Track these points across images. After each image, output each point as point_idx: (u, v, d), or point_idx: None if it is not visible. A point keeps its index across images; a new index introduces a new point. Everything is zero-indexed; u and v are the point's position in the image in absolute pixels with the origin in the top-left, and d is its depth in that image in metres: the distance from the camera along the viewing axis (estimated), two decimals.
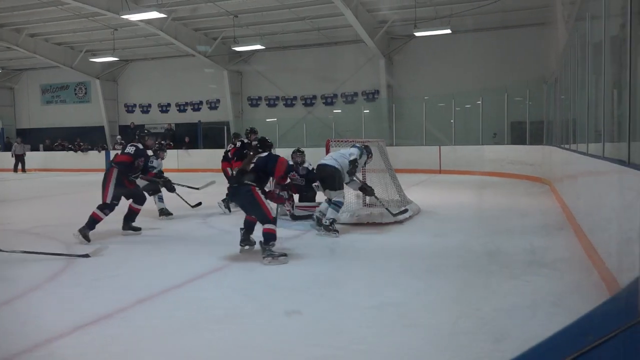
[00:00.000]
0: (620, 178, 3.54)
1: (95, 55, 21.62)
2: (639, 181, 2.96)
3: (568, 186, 7.43)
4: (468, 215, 7.72)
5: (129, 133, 21.98)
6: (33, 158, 21.62)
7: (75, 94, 25.04)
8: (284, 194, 6.42)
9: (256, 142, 7.84)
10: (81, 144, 22.02)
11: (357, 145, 6.73)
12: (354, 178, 6.66)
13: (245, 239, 5.29)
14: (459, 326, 3.15)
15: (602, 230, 4.23)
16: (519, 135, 14.81)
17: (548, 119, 12.78)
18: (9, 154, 21.23)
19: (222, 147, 18.54)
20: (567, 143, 8.08)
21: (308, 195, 7.77)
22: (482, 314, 3.36)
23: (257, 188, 4.95)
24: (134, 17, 15.49)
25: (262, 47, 19.02)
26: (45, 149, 23.42)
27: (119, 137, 21.97)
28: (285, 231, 6.46)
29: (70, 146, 22.30)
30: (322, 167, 6.40)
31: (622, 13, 3.93)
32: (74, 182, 13.43)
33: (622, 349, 0.64)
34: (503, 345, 2.86)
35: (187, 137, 20.37)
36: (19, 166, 20.67)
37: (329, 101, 20.51)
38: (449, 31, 15.68)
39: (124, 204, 6.38)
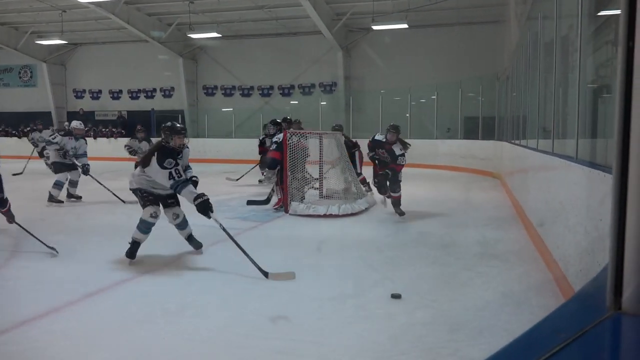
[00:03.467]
0: (568, 173, 3.69)
1: (41, 38, 20.62)
2: (586, 176, 3.09)
3: (518, 181, 7.69)
4: (423, 208, 7.86)
5: (77, 119, 21.16)
6: None
7: (20, 77, 23.84)
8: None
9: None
10: (26, 129, 21.03)
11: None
12: None
13: None
14: (415, 317, 3.21)
15: (550, 223, 4.40)
16: (471, 130, 15.18)
17: (500, 115, 13.16)
18: None
19: None
20: (517, 139, 8.35)
21: None
22: (438, 304, 3.44)
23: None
24: None
25: (219, 35, 18.67)
26: None
27: (66, 123, 21.13)
28: (241, 222, 6.40)
29: (14, 132, 21.27)
30: None
31: (573, 14, 4.08)
32: (17, 169, 12.81)
33: (594, 345, 0.66)
34: (458, 335, 2.93)
35: (140, 125, 19.80)
36: None
37: (286, 92, 20.39)
38: (405, 26, 15.86)
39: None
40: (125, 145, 10.01)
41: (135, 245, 4.46)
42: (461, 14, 16.69)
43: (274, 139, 7.50)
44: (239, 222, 6.42)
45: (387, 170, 6.78)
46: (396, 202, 6.92)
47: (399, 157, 6.84)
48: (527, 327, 0.73)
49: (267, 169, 7.51)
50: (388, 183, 6.88)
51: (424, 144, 15.77)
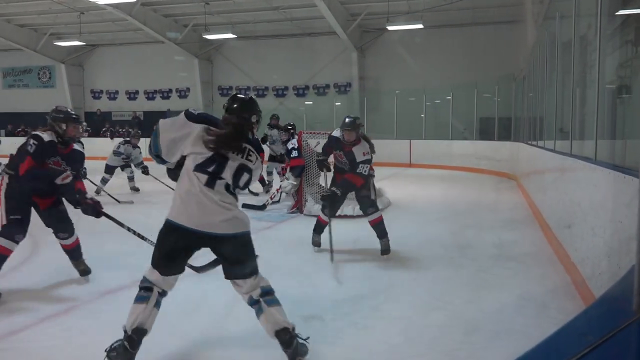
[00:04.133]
0: (586, 175, 3.64)
1: (60, 39, 20.91)
2: (605, 178, 3.05)
3: (535, 182, 7.61)
4: (438, 209, 7.82)
5: (95, 120, 21.46)
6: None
7: (39, 78, 24.21)
8: None
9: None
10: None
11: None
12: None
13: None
14: (430, 319, 3.20)
15: (567, 226, 4.34)
16: (487, 131, 15.06)
17: (516, 116, 13.04)
18: None
19: None
20: (534, 140, 8.26)
21: None
22: (454, 306, 3.41)
23: None
24: (102, 0, 15.04)
25: (234, 36, 18.77)
26: (7, 135, 22.60)
27: (84, 123, 21.40)
28: (256, 223, 6.42)
29: (33, 132, 21.57)
30: None
31: (591, 13, 4.02)
32: None
33: (621, 348, 0.65)
34: (474, 337, 2.91)
35: (137, 128, 19.95)
36: None
37: (301, 92, 20.42)
38: (421, 26, 15.77)
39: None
40: (114, 152, 9.22)
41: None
42: (477, 14, 16.57)
43: (290, 146, 7.38)
44: (254, 223, 6.40)
45: (334, 189, 4.87)
46: (378, 230, 4.96)
47: (360, 165, 4.76)
48: (545, 330, 0.72)
49: (290, 176, 7.37)
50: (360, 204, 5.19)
51: (439, 145, 15.71)
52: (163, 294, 2.61)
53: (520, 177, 10.40)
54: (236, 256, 2.61)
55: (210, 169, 2.46)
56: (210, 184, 2.45)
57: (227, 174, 2.50)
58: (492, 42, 16.47)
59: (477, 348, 2.76)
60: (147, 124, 20.36)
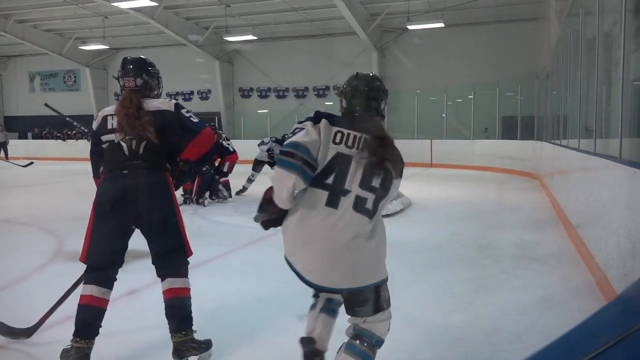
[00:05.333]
0: (611, 174, 3.57)
1: (85, 43, 21.35)
2: (630, 177, 2.98)
3: (558, 182, 7.49)
4: (459, 210, 7.75)
5: None
6: (18, 146, 21.32)
7: (65, 81, 24.75)
8: None
9: None
10: (69, 132, 21.75)
11: None
12: None
13: None
14: (451, 320, 3.17)
15: (592, 226, 4.26)
16: (510, 130, 14.88)
17: (539, 114, 12.85)
18: None
19: None
20: (558, 139, 8.13)
21: None
22: (474, 307, 3.38)
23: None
24: (125, 4, 15.31)
25: (254, 38, 18.90)
26: (34, 137, 23.15)
27: None
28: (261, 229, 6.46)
29: (59, 135, 22.06)
30: None
31: (616, 9, 3.94)
32: (60, 170, 13.31)
33: (636, 350, 0.64)
34: (494, 339, 2.87)
35: None
36: (1, 154, 20.44)
37: (321, 93, 20.46)
38: (442, 25, 15.67)
39: None
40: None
41: None
42: (499, 11, 16.37)
43: None
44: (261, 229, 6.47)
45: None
46: None
47: None
48: None
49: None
50: None
51: (461, 145, 15.57)
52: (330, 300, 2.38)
53: (544, 177, 10.25)
54: None
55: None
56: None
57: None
58: (515, 40, 16.27)
59: (498, 349, 2.73)
60: None
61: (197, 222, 6.73)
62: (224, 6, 17.12)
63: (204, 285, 3.92)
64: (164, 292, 2.57)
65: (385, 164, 2.02)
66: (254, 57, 21.20)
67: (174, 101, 2.66)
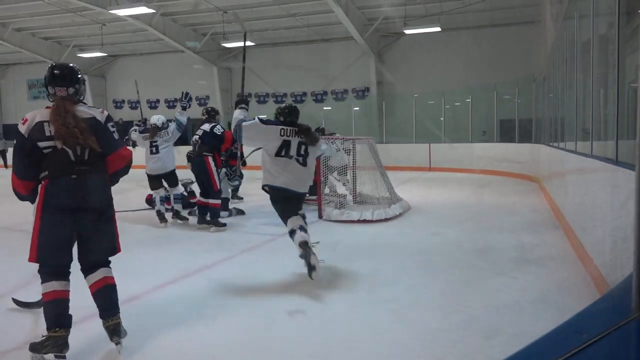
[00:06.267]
0: (608, 176, 3.59)
1: (83, 51, 21.38)
2: (627, 179, 3.00)
3: (557, 184, 7.51)
4: (457, 213, 7.77)
5: (118, 130, 21.76)
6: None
7: None
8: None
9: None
10: None
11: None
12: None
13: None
14: (449, 323, 3.18)
15: (590, 228, 4.28)
16: (508, 133, 14.91)
17: (537, 117, 12.88)
18: None
19: None
20: (555, 141, 8.16)
21: None
22: (472, 310, 3.39)
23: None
24: (122, 12, 15.35)
25: (252, 44, 18.94)
26: None
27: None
28: (274, 228, 6.47)
29: None
30: None
31: (611, 12, 3.98)
32: None
33: (616, 347, 0.65)
34: (493, 341, 2.88)
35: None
36: (1, 162, 20.48)
37: (319, 98, 20.50)
38: (438, 29, 15.74)
39: None
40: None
41: None
42: (495, 15, 16.45)
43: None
44: (272, 228, 6.48)
45: None
46: None
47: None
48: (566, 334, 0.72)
49: None
50: None
51: (459, 148, 15.59)
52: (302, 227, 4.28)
53: (542, 179, 10.27)
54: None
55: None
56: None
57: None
58: (511, 43, 16.33)
59: (496, 352, 2.74)
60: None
61: (194, 227, 6.74)
62: (221, 12, 17.19)
63: (204, 290, 3.94)
64: (97, 282, 2.81)
65: (306, 141, 4.26)
66: (251, 63, 21.20)
67: (106, 113, 2.92)
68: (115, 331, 2.77)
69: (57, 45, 22.15)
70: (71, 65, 2.95)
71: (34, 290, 3.61)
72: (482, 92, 15.64)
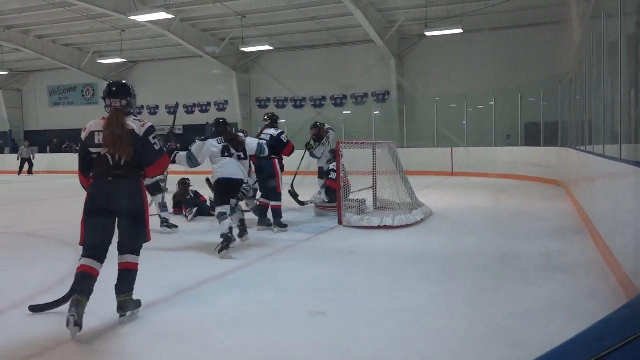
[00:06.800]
0: (638, 180, 3.52)
1: (103, 57, 21.81)
2: None
3: (584, 189, 7.38)
4: (481, 219, 7.69)
5: None
6: (40, 161, 21.77)
7: (83, 95, 25.28)
8: None
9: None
10: None
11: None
12: None
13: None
14: (473, 332, 3.15)
15: (619, 234, 4.20)
16: (533, 136, 14.73)
17: (563, 120, 12.70)
18: (16, 155, 21.45)
19: None
20: (583, 145, 8.03)
21: None
22: (497, 319, 3.35)
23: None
24: (142, 18, 15.61)
25: (271, 48, 19.09)
26: (52, 151, 23.64)
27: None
28: (295, 235, 6.49)
29: (77, 148, 22.47)
30: None
31: (639, 11, 3.91)
32: (79, 184, 13.63)
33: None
34: (519, 351, 2.84)
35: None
36: (25, 169, 20.88)
37: (339, 102, 20.53)
38: (460, 31, 15.64)
39: None
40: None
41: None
42: (518, 16, 16.29)
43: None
44: (293, 235, 6.50)
45: None
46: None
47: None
48: None
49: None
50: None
51: (482, 152, 15.45)
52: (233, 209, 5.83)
53: (569, 184, 10.11)
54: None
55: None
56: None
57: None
58: (536, 44, 16.17)
59: None
60: (186, 138, 20.87)
61: (214, 233, 6.78)
62: (240, 17, 17.35)
63: (222, 297, 3.97)
64: (121, 264, 3.43)
65: (235, 146, 5.74)
66: (270, 68, 21.41)
67: (147, 126, 3.44)
68: (121, 306, 3.33)
69: (78, 52, 22.62)
70: (124, 82, 3.58)
71: (55, 297, 3.68)
72: (506, 94, 15.49)
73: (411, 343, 3.02)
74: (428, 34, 16.24)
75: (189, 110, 23.07)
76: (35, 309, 3.53)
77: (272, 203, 6.82)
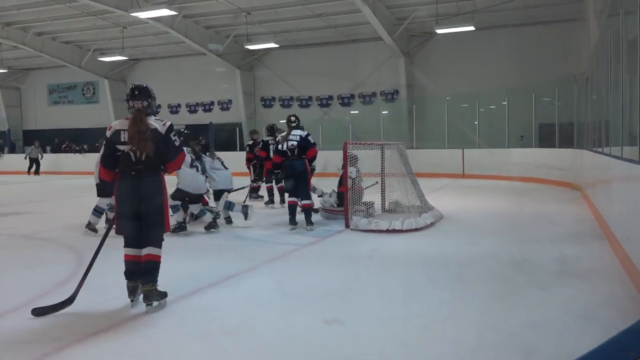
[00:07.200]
0: None
1: (103, 54, 21.90)
2: None
3: (601, 192, 7.34)
4: (494, 223, 7.66)
5: None
6: (43, 161, 21.84)
7: (83, 94, 25.41)
8: None
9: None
10: (85, 147, 22.12)
11: None
12: None
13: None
14: (485, 340, 3.14)
15: (638, 239, 4.17)
16: (547, 137, 14.67)
17: (579, 121, 12.64)
18: (15, 155, 21.61)
19: (233, 149, 18.72)
20: (599, 146, 7.99)
21: None
22: (510, 327, 3.34)
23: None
24: (144, 14, 15.69)
25: (276, 46, 19.13)
26: (52, 151, 23.76)
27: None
28: (300, 238, 6.49)
29: (77, 148, 22.58)
30: None
31: None
32: (80, 185, 13.66)
33: None
34: None
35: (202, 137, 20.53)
36: (32, 169, 21.08)
37: (346, 102, 20.53)
38: (472, 28, 15.62)
39: None
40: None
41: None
42: (532, 12, 16.26)
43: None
44: (297, 238, 6.51)
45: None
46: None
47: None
48: None
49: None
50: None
51: (495, 154, 15.40)
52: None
53: (585, 187, 10.06)
54: None
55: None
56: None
57: None
58: (550, 42, 16.12)
59: None
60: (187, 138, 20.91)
61: (217, 237, 6.81)
62: (244, 14, 17.40)
63: (227, 301, 3.98)
64: (145, 256, 3.82)
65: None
66: (275, 66, 21.44)
67: (168, 125, 3.88)
68: (146, 295, 3.72)
69: (78, 49, 22.74)
70: (145, 85, 3.99)
71: (56, 299, 3.71)
72: (520, 94, 15.43)
73: (421, 350, 3.01)
74: (438, 31, 16.22)
75: (192, 109, 23.15)
76: (38, 312, 3.56)
77: (303, 202, 7.11)
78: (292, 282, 4.56)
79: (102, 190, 6.56)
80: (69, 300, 3.69)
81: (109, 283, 4.29)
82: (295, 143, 7.18)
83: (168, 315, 3.68)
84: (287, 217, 7.16)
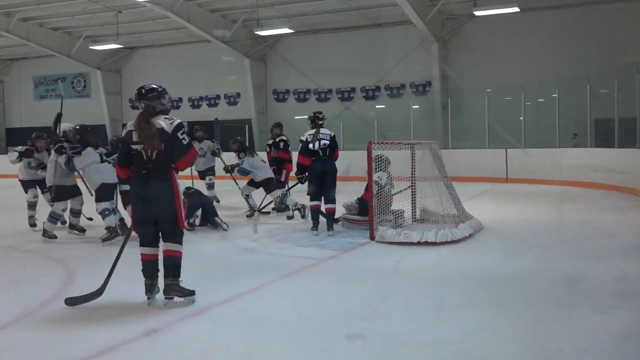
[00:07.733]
0: None
1: (96, 42, 22.18)
2: None
3: None
4: (542, 234, 7.60)
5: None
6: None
7: (73, 87, 25.76)
8: None
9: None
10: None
11: None
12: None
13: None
14: None
15: None
16: (605, 136, 14.51)
17: None
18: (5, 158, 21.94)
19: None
20: None
21: None
22: (562, 355, 3.32)
23: None
24: None
25: (291, 31, 19.19)
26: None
27: (115, 136, 22.47)
28: (318, 251, 6.51)
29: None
30: None
31: None
32: None
33: None
34: None
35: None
36: None
37: (371, 95, 20.53)
38: (516, 9, 15.51)
39: None
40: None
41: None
42: None
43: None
44: (316, 251, 6.52)
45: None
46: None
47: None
48: None
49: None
50: None
51: (543, 154, 15.28)
52: None
53: None
54: None
55: None
56: None
57: None
58: (608, 26, 15.95)
59: None
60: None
61: (223, 250, 6.85)
62: None
63: (234, 323, 4.00)
64: (164, 251, 4.41)
65: None
66: (290, 54, 21.52)
67: (175, 123, 4.39)
68: (167, 289, 4.35)
69: (67, 37, 23.07)
70: (154, 85, 4.53)
71: (41, 319, 3.76)
72: (572, 85, 15.30)
73: None
74: (477, 13, 16.15)
75: (195, 104, 23.32)
76: (72, 302, 4.27)
77: (328, 205, 7.54)
78: (310, 301, 4.57)
79: (57, 194, 7.48)
80: (99, 292, 4.35)
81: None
82: (327, 142, 7.51)
83: (167, 338, 3.71)
84: (302, 227, 7.19)
